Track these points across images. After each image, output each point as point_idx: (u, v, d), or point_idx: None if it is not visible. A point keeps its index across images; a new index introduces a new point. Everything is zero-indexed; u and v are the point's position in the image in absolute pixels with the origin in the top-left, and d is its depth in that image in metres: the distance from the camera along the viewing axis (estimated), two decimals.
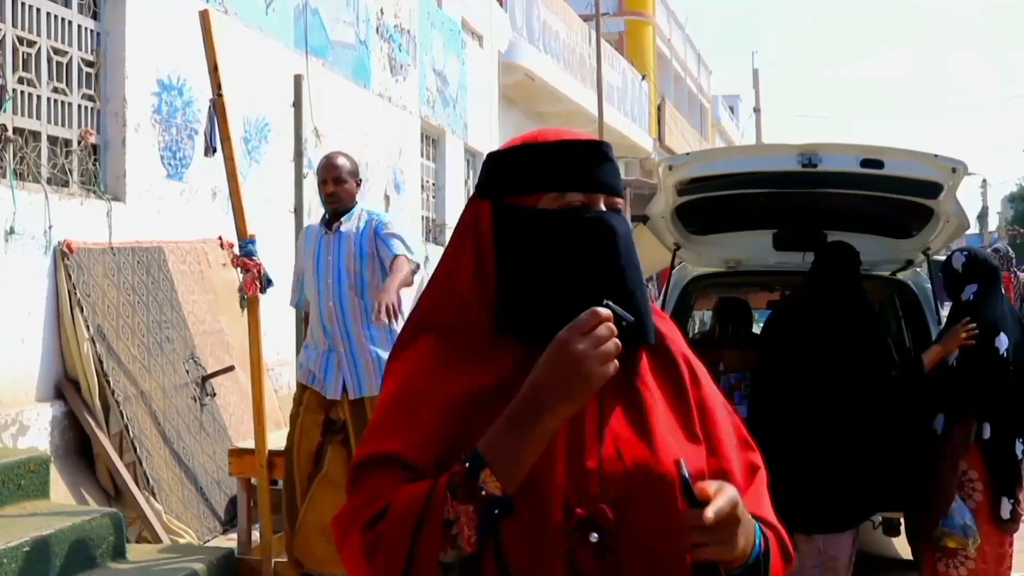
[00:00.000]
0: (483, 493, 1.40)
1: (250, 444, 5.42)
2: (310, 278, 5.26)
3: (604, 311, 1.44)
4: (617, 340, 1.43)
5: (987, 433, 4.65)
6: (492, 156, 1.68)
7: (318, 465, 5.20)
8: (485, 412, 1.50)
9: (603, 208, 1.59)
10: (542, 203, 1.59)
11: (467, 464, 1.42)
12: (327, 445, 5.21)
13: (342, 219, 5.26)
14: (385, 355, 4.99)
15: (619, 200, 1.62)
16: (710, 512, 1.44)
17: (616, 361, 1.42)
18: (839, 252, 4.95)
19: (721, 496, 1.46)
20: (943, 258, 5.30)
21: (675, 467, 1.50)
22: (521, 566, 1.48)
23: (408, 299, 5.30)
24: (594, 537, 1.49)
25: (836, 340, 4.68)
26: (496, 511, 1.41)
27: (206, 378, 6.97)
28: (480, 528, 1.41)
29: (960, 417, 4.71)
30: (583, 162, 1.60)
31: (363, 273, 5.19)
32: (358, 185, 5.37)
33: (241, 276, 5.45)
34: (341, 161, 5.33)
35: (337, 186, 5.25)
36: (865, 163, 5.31)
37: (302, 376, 5.33)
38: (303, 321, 5.74)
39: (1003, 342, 4.73)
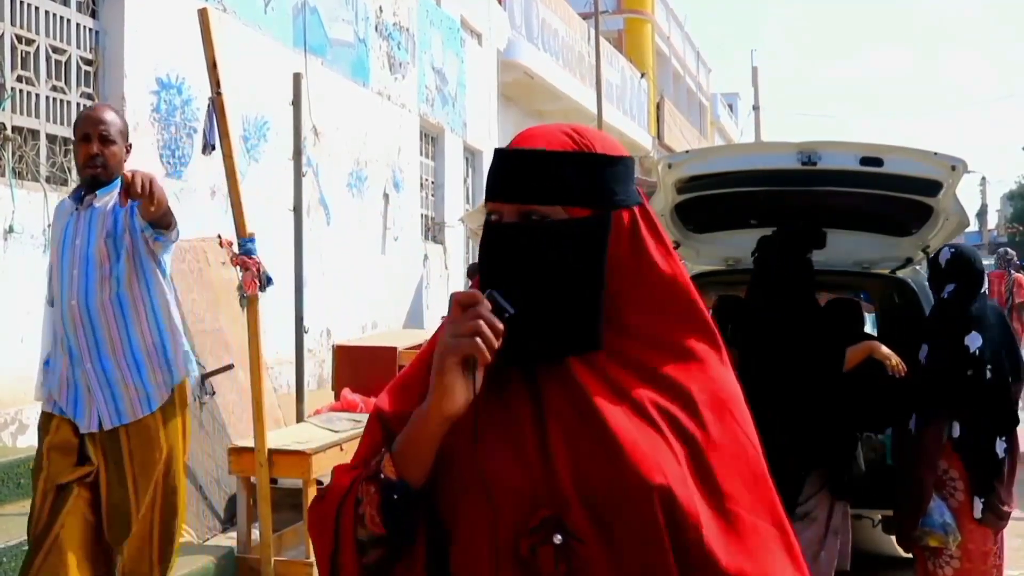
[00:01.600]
0: (381, 476, 1.49)
1: (250, 443, 5.41)
2: (55, 269, 4.06)
3: (464, 294, 1.48)
4: (480, 325, 1.44)
5: (956, 432, 4.68)
6: None
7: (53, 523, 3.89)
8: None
9: (511, 218, 1.56)
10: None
11: (383, 450, 1.53)
12: (70, 496, 3.91)
13: (98, 193, 4.04)
14: (149, 379, 4.00)
15: (537, 207, 1.55)
16: None
17: (480, 346, 1.43)
18: (769, 244, 4.99)
19: None
20: None
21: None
22: (461, 561, 1.52)
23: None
24: (557, 539, 1.49)
25: (763, 329, 4.75)
26: (395, 496, 1.49)
27: (205, 377, 6.95)
28: (383, 509, 1.49)
29: (932, 417, 4.75)
30: (495, 170, 1.59)
31: (119, 262, 4.00)
32: (128, 152, 4.17)
33: (240, 275, 5.44)
34: (110, 116, 4.13)
35: (104, 146, 4.03)
36: (864, 161, 5.32)
37: (44, 403, 4.10)
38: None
39: (975, 341, 4.75)
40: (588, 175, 1.57)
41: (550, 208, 1.56)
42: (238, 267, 5.45)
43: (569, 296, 1.57)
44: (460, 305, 1.47)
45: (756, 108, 41.88)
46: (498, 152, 1.62)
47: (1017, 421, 4.77)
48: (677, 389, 1.60)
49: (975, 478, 4.67)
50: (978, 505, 4.67)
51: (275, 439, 5.53)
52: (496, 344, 1.46)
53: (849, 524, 5.04)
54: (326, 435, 5.74)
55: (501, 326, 1.46)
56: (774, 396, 4.60)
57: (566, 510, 1.50)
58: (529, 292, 1.55)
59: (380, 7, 11.74)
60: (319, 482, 5.55)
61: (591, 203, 1.58)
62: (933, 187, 5.49)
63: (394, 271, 11.96)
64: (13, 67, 6.20)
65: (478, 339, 1.44)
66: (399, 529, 1.51)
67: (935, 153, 5.39)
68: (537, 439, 1.53)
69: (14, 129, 6.16)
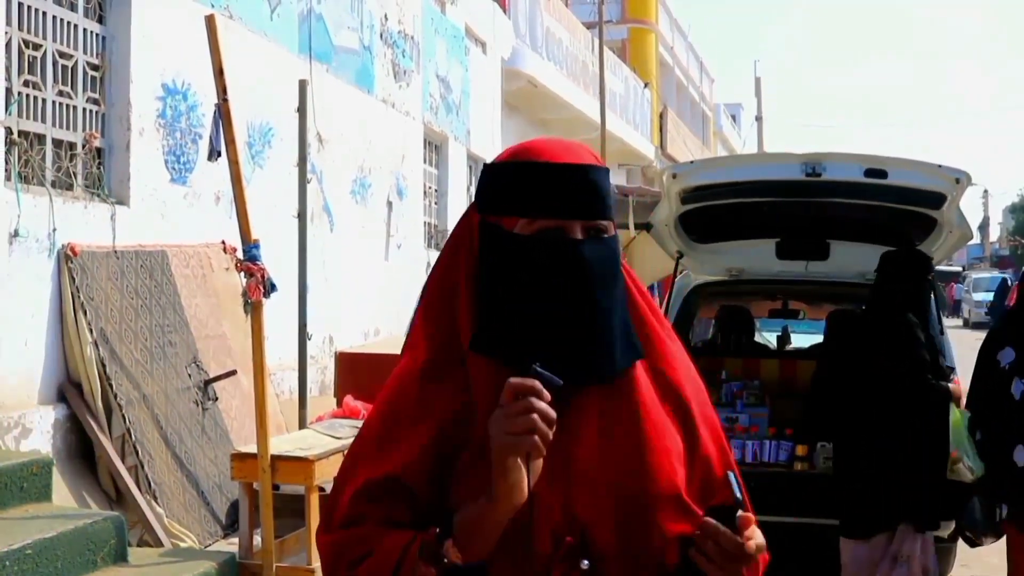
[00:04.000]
0: (445, 561, 1.46)
1: (252, 448, 5.42)
2: None
3: (518, 382, 1.43)
4: (536, 414, 1.41)
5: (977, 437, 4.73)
6: (484, 169, 1.69)
7: None
8: (467, 430, 1.55)
9: (578, 234, 1.56)
10: (518, 227, 1.58)
11: (438, 530, 1.48)
12: None
13: None
14: None
15: (602, 223, 1.58)
16: (752, 545, 1.48)
17: (537, 443, 1.41)
18: (893, 262, 5.02)
19: (759, 535, 1.50)
20: (946, 268, 5.36)
21: (721, 480, 1.55)
22: None
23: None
24: (584, 564, 1.51)
25: (880, 349, 4.77)
26: None
27: (208, 382, 6.97)
28: None
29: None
30: (557, 186, 1.56)
31: None
32: None
33: (245, 281, 5.45)
34: None
35: None
36: (869, 173, 5.33)
37: None
38: None
39: (1007, 356, 4.78)
40: (611, 190, 1.64)
41: (608, 224, 1.60)
42: (242, 273, 5.46)
43: (622, 303, 1.61)
44: (511, 394, 1.43)
45: (759, 118, 41.92)
46: (559, 167, 1.58)
47: None
48: (674, 390, 1.65)
49: (981, 483, 4.69)
50: (976, 507, 4.68)
51: (277, 445, 5.53)
52: (551, 436, 1.43)
53: (934, 560, 4.87)
54: (328, 442, 5.74)
55: (554, 415, 1.43)
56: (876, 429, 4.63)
57: (590, 531, 1.52)
58: (602, 307, 1.55)
59: (385, 15, 11.77)
60: (321, 488, 5.55)
61: (615, 218, 1.64)
62: (937, 199, 5.50)
63: (397, 278, 11.96)
64: (20, 72, 6.22)
65: (536, 437, 1.42)
66: None
67: (939, 166, 5.41)
68: (562, 462, 1.53)
69: (20, 133, 6.17)
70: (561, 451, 1.52)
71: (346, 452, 1.68)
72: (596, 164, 1.60)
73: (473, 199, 1.69)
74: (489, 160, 1.71)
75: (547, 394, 1.43)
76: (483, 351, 1.57)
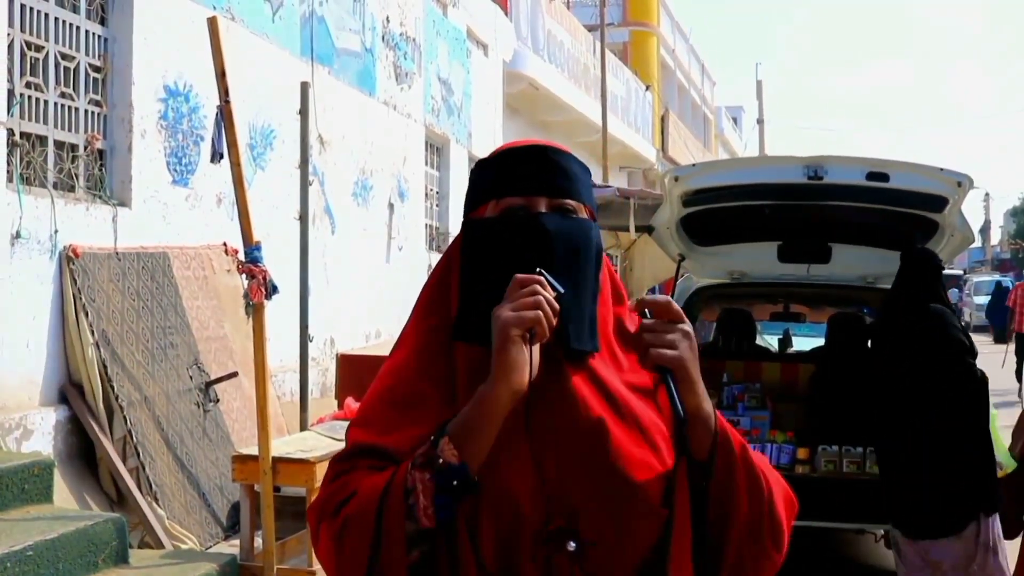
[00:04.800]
0: (440, 461, 1.45)
1: (253, 450, 5.42)
2: None
3: (525, 276, 1.49)
4: (541, 300, 1.46)
5: None
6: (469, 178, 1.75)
7: None
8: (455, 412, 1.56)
9: (543, 209, 1.60)
10: (487, 211, 1.64)
11: (432, 437, 1.48)
12: None
13: None
14: None
15: (569, 202, 1.62)
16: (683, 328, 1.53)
17: (543, 318, 1.45)
18: (910, 262, 4.99)
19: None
20: (947, 271, 5.35)
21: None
22: (495, 569, 1.51)
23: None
24: (571, 546, 1.52)
25: (882, 350, 4.74)
26: (455, 482, 1.45)
27: (209, 384, 6.97)
28: (437, 499, 1.44)
29: None
30: (519, 167, 1.62)
31: None
32: None
33: (246, 282, 5.45)
34: None
35: None
36: (871, 176, 5.34)
37: None
38: None
39: None
40: (589, 182, 1.69)
41: (577, 204, 1.64)
42: (244, 275, 5.46)
43: (591, 290, 1.63)
44: (518, 284, 1.48)
45: (761, 121, 41.92)
46: (520, 149, 1.65)
47: None
48: (643, 379, 1.66)
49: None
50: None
51: (278, 447, 5.54)
52: (555, 322, 1.48)
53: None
54: (329, 444, 5.74)
55: (557, 307, 1.48)
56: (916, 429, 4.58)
57: (579, 515, 1.53)
58: (568, 278, 1.57)
59: (387, 17, 11.77)
60: None
61: (592, 207, 1.68)
62: (939, 203, 5.51)
63: (398, 280, 11.96)
64: (22, 73, 6.22)
65: (540, 313, 1.46)
66: (449, 521, 1.47)
67: (941, 169, 5.41)
68: (553, 443, 1.54)
69: (22, 135, 6.18)
70: (549, 431, 1.54)
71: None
72: (562, 149, 1.65)
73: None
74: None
75: (551, 290, 1.48)
76: (463, 338, 1.61)
